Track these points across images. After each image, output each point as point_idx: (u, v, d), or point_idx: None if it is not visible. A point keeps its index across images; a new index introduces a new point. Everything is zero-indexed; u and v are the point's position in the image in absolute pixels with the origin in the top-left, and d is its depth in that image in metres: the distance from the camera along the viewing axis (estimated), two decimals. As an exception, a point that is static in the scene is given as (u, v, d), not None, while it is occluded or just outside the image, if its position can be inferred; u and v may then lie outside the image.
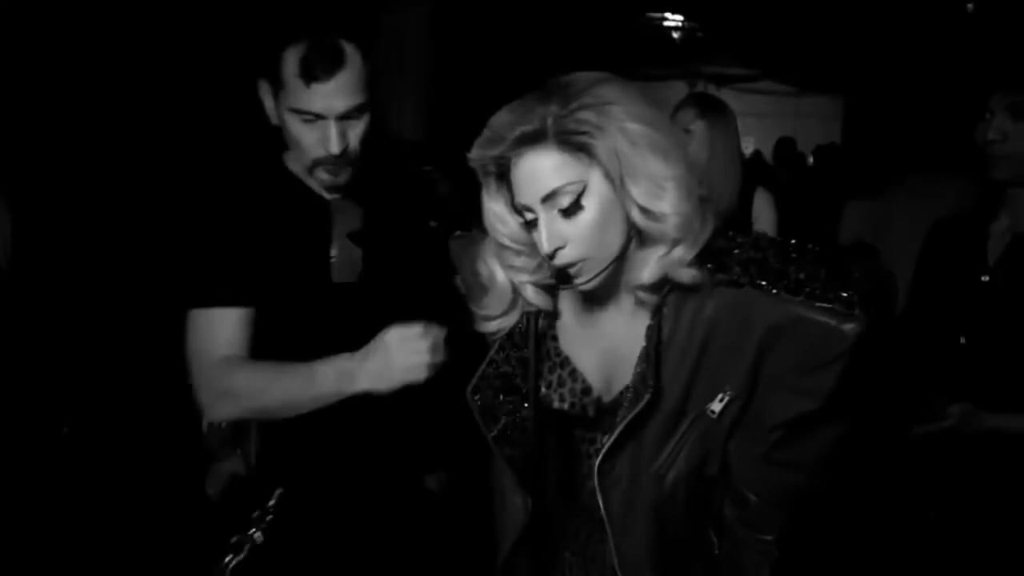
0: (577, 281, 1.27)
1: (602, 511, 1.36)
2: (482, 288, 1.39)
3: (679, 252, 1.24)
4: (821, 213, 4.84)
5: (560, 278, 1.29)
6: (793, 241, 1.31)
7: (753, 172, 3.73)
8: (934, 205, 2.65)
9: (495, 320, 1.39)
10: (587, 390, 1.38)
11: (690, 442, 1.33)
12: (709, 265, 1.28)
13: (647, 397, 1.28)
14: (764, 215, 2.91)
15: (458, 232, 1.52)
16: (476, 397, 1.42)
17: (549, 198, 1.22)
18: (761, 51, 8.82)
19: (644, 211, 1.22)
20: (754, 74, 9.51)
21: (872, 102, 7.32)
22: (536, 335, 1.38)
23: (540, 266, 1.33)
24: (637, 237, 1.26)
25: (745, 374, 1.29)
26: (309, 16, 1.51)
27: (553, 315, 1.41)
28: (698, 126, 2.78)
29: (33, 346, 2.22)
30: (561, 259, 1.25)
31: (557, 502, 1.46)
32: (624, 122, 1.20)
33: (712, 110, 2.85)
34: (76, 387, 2.46)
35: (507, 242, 1.33)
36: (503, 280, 1.36)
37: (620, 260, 1.27)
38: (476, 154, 1.26)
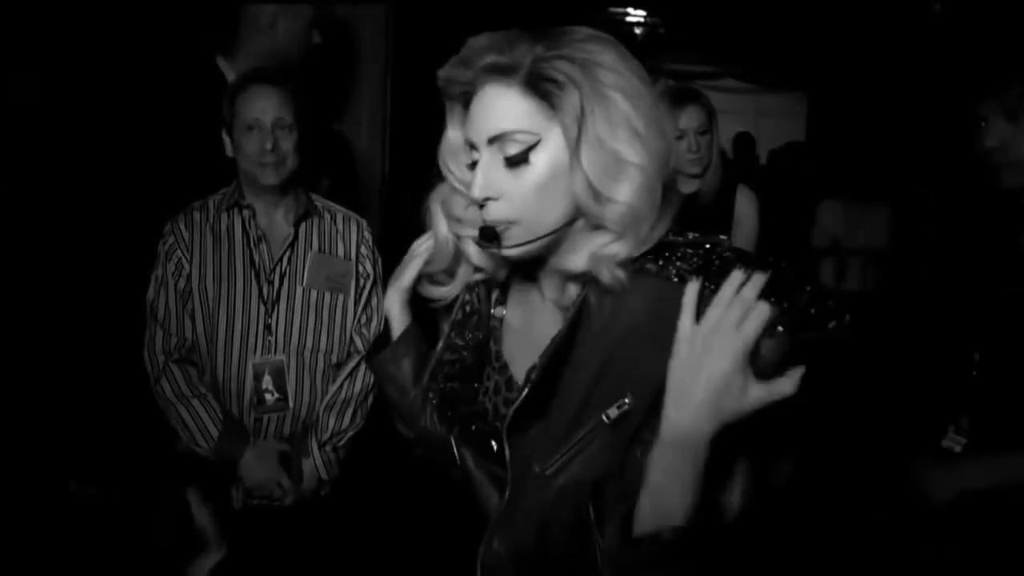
0: (503, 244, 1.14)
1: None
2: (432, 238, 1.29)
3: (615, 248, 1.11)
4: (792, 213, 4.78)
5: (484, 234, 1.15)
6: (754, 254, 1.13)
7: (734, 171, 3.64)
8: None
9: (441, 286, 1.30)
10: (514, 400, 1.22)
11: (589, 449, 1.15)
12: (649, 255, 1.12)
13: (525, 392, 1.17)
14: (746, 214, 2.80)
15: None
16: (434, 388, 1.31)
17: (496, 140, 1.12)
18: (723, 48, 8.74)
19: (591, 188, 1.10)
20: (716, 71, 9.44)
21: (837, 100, 7.26)
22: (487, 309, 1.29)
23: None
24: (583, 223, 1.14)
25: (649, 382, 1.09)
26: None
27: (499, 285, 1.30)
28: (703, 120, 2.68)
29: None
30: (490, 213, 1.14)
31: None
32: (607, 88, 1.09)
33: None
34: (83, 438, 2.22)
35: (455, 182, 1.23)
36: (445, 233, 1.26)
37: (558, 239, 1.15)
38: (444, 73, 1.16)
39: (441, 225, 1.26)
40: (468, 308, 1.30)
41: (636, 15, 8.93)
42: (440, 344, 1.32)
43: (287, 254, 2.28)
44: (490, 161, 1.13)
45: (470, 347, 1.29)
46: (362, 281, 2.35)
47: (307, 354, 2.27)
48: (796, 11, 6.95)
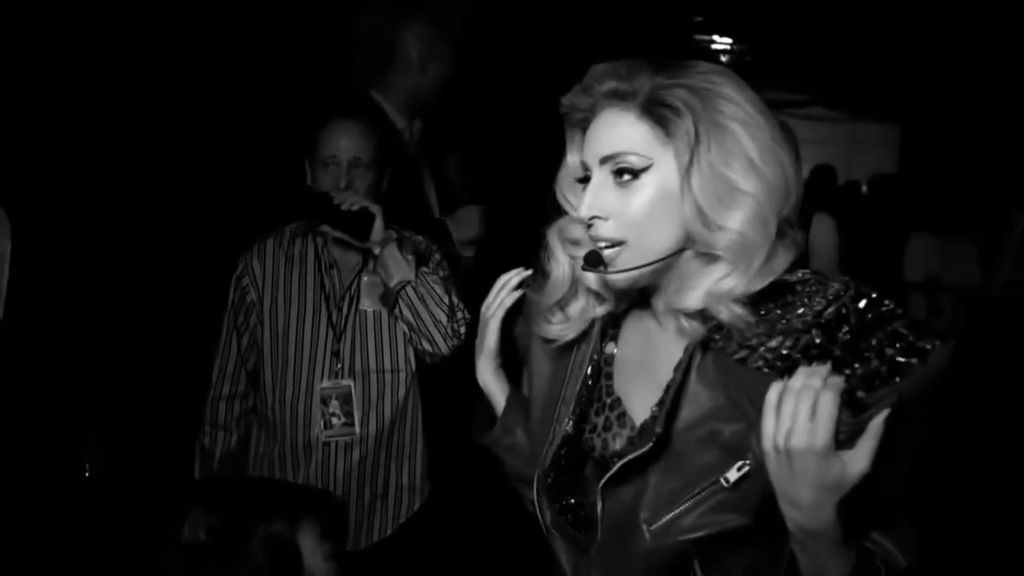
0: (609, 269, 1.14)
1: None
2: (545, 272, 1.27)
3: (729, 283, 1.09)
4: (880, 246, 4.62)
5: (589, 259, 1.15)
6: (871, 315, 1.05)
7: (816, 197, 3.55)
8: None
9: (555, 322, 1.26)
10: (633, 439, 1.21)
11: (703, 507, 1.11)
12: (762, 311, 1.09)
13: (648, 445, 1.13)
14: (823, 242, 2.73)
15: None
16: (549, 477, 1.26)
17: (609, 160, 1.13)
18: (812, 76, 8.57)
19: (701, 215, 1.09)
20: (804, 99, 9.25)
21: (931, 130, 7.03)
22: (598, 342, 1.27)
23: None
24: (693, 252, 1.13)
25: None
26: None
27: (618, 323, 1.28)
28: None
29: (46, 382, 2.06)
30: (597, 231, 1.14)
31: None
32: (725, 118, 1.09)
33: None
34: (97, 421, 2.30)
35: (571, 209, 1.23)
36: (563, 260, 1.24)
37: (667, 269, 1.14)
38: (567, 99, 1.19)
39: (559, 251, 1.25)
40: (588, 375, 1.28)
41: (722, 42, 8.83)
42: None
43: (356, 281, 2.31)
44: (601, 181, 1.14)
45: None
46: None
47: (373, 377, 2.30)
48: (888, 38, 6.77)
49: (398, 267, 2.18)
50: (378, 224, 2.15)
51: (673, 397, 1.15)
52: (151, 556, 1.22)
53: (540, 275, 1.30)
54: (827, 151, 8.44)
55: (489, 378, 1.42)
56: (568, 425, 1.26)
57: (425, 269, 2.24)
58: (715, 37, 8.76)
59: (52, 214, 2.08)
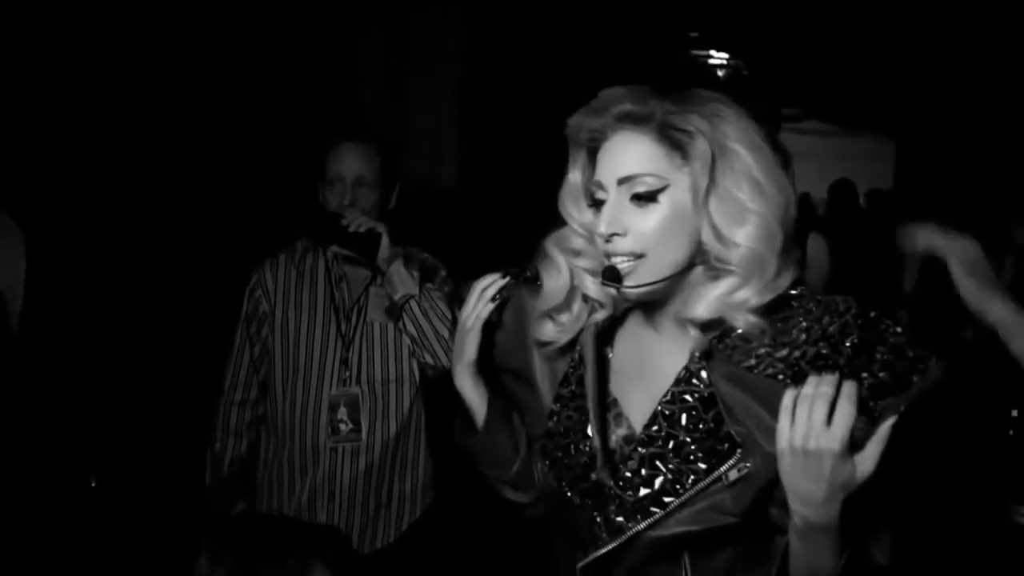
0: (626, 283, 1.19)
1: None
2: (543, 279, 1.32)
3: (742, 294, 1.16)
4: (876, 260, 4.63)
5: (607, 274, 1.21)
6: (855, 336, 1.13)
7: (805, 217, 3.58)
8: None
9: (552, 325, 1.31)
10: (630, 437, 1.26)
11: (698, 504, 1.18)
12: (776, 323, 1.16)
13: (747, 467, 1.16)
14: (818, 261, 2.77)
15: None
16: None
17: (626, 181, 1.19)
18: (807, 90, 8.65)
19: (717, 233, 1.17)
20: (800, 113, 9.33)
21: (926, 143, 7.08)
22: (595, 351, 1.29)
23: (600, 255, 1.24)
24: (704, 267, 1.20)
25: (765, 452, 1.14)
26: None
27: (613, 326, 1.32)
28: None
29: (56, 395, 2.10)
30: (615, 246, 1.19)
31: None
32: (732, 141, 1.17)
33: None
34: (104, 436, 2.33)
35: (574, 223, 1.29)
36: (563, 267, 1.30)
37: (677, 284, 1.21)
38: (575, 121, 1.24)
39: (559, 258, 1.30)
40: (574, 385, 1.32)
41: (719, 57, 8.90)
42: (551, 421, 1.33)
43: (365, 294, 2.37)
44: (618, 200, 1.20)
45: (575, 419, 1.31)
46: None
47: (379, 387, 2.35)
48: (884, 52, 6.84)
49: (403, 282, 2.23)
50: (384, 242, 2.21)
51: (674, 397, 1.22)
52: None
53: (530, 281, 1.35)
54: (819, 164, 8.49)
55: (468, 384, 1.44)
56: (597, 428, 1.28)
57: (430, 285, 2.30)
58: (712, 52, 8.83)
59: (65, 227, 2.11)
